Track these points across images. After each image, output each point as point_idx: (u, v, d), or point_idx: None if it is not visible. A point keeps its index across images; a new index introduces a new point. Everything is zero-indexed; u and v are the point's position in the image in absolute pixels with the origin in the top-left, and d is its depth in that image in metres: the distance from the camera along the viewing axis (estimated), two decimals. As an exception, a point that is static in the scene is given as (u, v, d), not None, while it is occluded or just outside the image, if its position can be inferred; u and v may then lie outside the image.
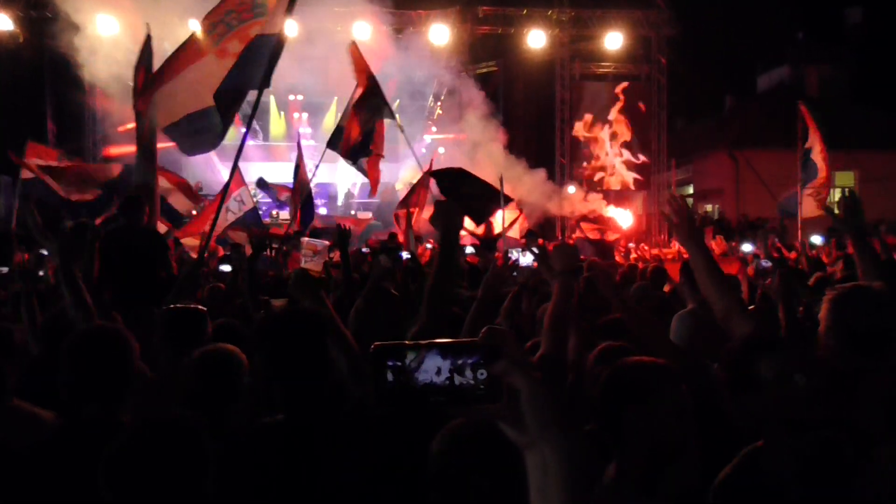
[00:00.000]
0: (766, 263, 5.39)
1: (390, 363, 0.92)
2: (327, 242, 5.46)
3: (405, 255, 6.93)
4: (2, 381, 2.51)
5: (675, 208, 2.69)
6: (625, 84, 19.68)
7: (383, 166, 12.79)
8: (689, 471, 1.89)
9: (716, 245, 13.05)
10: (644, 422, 1.82)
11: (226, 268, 6.28)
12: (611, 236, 15.77)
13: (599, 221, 17.35)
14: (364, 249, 11.92)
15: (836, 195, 23.22)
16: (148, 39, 6.25)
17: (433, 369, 0.92)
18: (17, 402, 2.66)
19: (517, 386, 0.92)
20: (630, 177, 19.79)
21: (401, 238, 10.12)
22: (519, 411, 0.93)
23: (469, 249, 10.03)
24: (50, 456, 2.07)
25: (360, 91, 9.99)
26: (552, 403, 0.94)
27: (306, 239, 5.43)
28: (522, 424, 0.93)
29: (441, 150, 20.70)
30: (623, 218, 18.24)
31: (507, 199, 10.32)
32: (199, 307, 3.26)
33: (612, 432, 1.89)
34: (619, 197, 20.77)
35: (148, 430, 1.75)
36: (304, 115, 23.05)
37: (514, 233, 12.79)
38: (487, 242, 11.33)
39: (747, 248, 5.95)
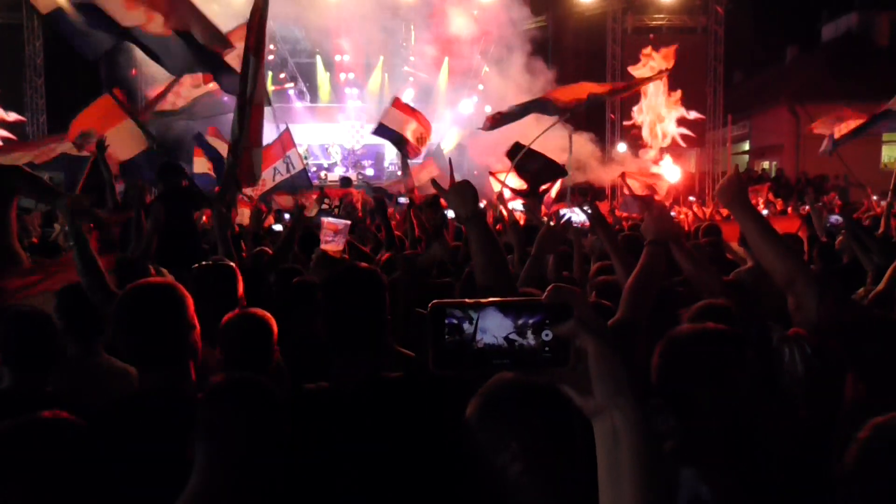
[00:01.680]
0: (834, 219, 5.11)
1: (449, 321, 0.86)
2: (348, 222, 5.27)
3: (451, 213, 6.87)
4: (53, 334, 2.49)
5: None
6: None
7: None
8: (758, 440, 1.77)
9: (772, 202, 12.58)
10: (720, 399, 1.69)
11: (277, 227, 6.30)
12: (660, 192, 15.32)
13: (645, 175, 16.85)
14: (402, 200, 11.87)
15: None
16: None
17: (494, 329, 0.85)
18: (108, 357, 2.73)
19: (586, 348, 0.85)
20: (677, 132, 19.11)
21: None
22: (587, 376, 0.86)
23: (518, 206, 9.89)
24: (111, 433, 2.00)
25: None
26: (623, 368, 0.86)
27: (326, 219, 5.23)
28: (590, 390, 0.86)
29: (488, 108, 20.38)
30: (671, 172, 17.65)
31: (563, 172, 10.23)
32: (230, 263, 3.23)
33: (678, 409, 1.75)
34: (671, 154, 20.16)
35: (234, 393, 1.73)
36: (351, 76, 22.96)
37: (554, 193, 12.58)
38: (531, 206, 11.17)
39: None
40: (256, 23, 5.60)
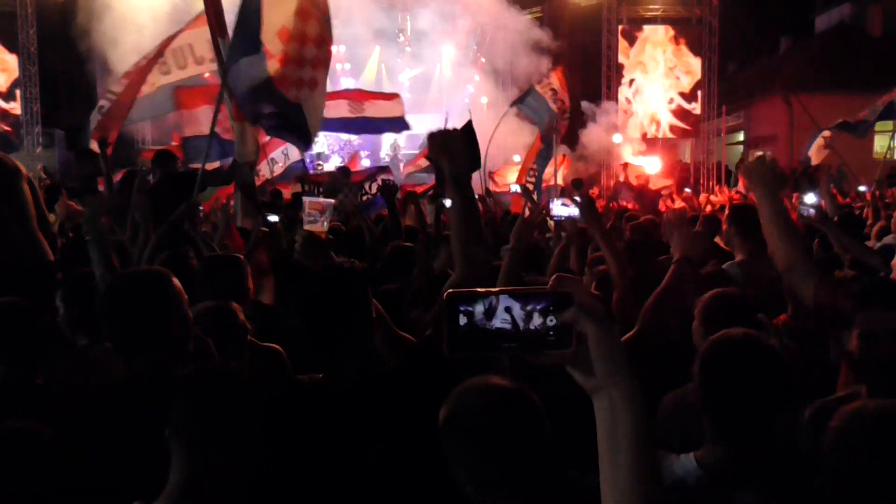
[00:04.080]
0: (809, 212, 5.19)
1: (462, 309, 0.95)
2: (332, 201, 5.17)
3: (448, 202, 6.93)
4: (39, 326, 2.46)
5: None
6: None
7: (426, 118, 12.77)
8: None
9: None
10: (790, 420, 1.73)
11: (273, 218, 6.30)
12: (657, 184, 15.46)
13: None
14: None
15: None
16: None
17: (504, 315, 0.95)
18: (109, 345, 2.68)
19: (586, 332, 0.95)
20: (668, 123, 19.22)
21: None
22: (588, 357, 0.96)
23: (515, 188, 9.92)
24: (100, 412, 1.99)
25: None
26: (620, 349, 0.96)
27: (308, 199, 5.10)
28: (591, 370, 0.96)
29: (484, 99, 20.43)
30: (650, 164, 17.83)
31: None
32: (237, 255, 3.27)
33: (723, 425, 1.71)
34: (665, 145, 20.28)
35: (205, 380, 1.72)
36: (347, 66, 22.92)
37: (559, 180, 12.67)
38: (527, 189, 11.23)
39: (811, 199, 5.63)
40: (211, 7, 5.73)
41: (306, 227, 4.60)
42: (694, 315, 2.40)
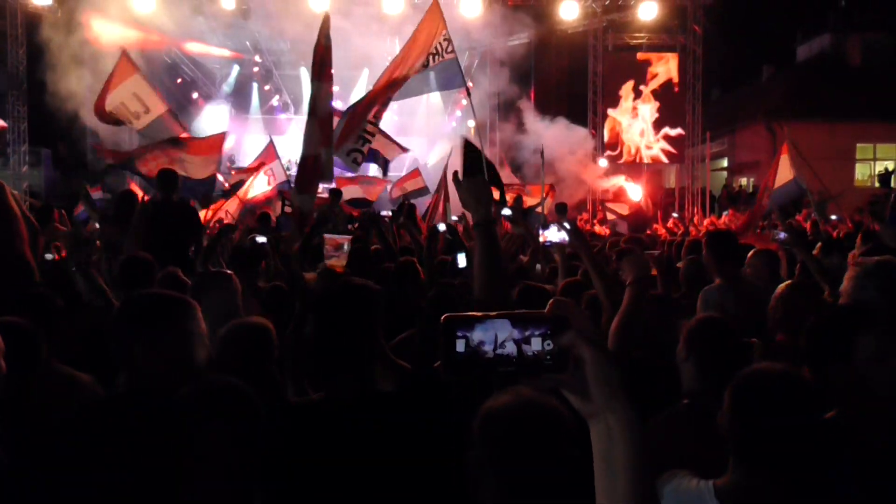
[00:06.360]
0: (782, 235, 5.35)
1: (460, 334, 0.96)
2: (349, 237, 5.33)
3: (442, 227, 6.98)
4: (38, 345, 2.50)
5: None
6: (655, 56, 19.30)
7: (413, 142, 12.80)
8: None
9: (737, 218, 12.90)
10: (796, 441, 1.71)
11: (261, 239, 6.31)
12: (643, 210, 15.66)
13: (618, 198, 17.33)
14: (383, 213, 11.92)
15: (877, 168, 22.66)
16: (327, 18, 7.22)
17: (502, 340, 0.96)
18: (56, 363, 2.69)
19: (584, 356, 0.96)
20: (658, 149, 19.45)
21: (440, 209, 10.27)
22: (585, 381, 0.96)
23: (506, 211, 9.96)
24: (85, 428, 2.01)
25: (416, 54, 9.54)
26: (617, 375, 0.97)
27: (327, 235, 5.28)
28: (587, 394, 0.97)
29: (471, 122, 20.56)
30: (633, 191, 18.06)
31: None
32: (227, 272, 3.29)
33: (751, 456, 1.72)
34: (650, 171, 20.49)
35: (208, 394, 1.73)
36: (335, 89, 23.01)
37: (545, 208, 12.72)
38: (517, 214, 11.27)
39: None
40: (320, 51, 7.00)
41: (328, 262, 4.83)
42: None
